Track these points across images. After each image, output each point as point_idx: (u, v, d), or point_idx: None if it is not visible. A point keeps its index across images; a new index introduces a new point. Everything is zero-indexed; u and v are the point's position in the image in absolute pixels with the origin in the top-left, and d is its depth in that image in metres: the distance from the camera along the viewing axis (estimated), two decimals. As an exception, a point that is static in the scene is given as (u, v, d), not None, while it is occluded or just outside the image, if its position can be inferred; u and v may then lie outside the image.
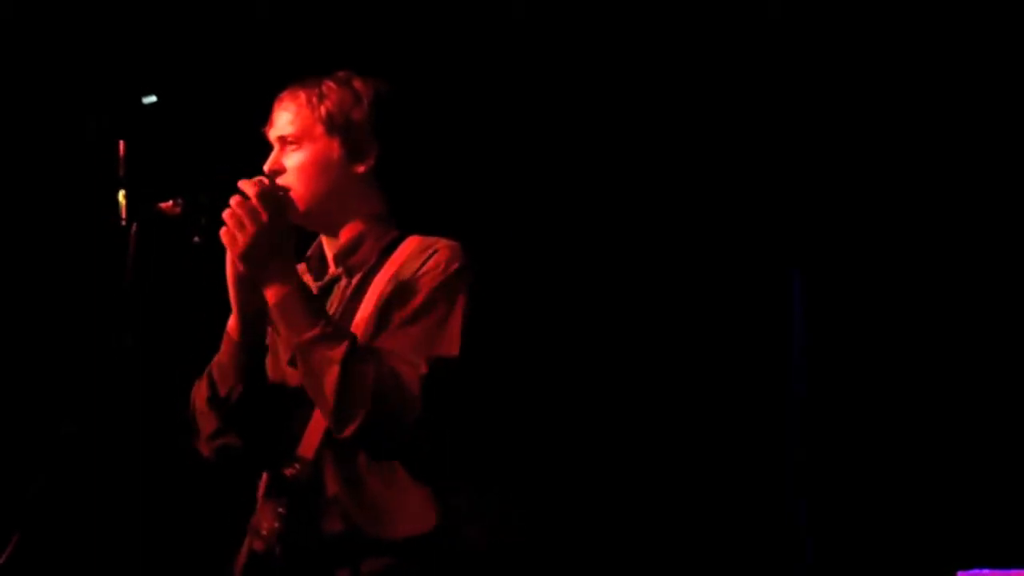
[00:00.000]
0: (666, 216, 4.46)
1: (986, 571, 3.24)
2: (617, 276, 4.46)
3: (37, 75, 4.37)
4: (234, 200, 2.91)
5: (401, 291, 2.95)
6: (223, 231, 2.90)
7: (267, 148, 3.10)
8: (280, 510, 2.95)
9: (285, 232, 2.93)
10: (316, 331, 2.86)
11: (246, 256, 2.90)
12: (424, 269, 2.96)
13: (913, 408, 4.23)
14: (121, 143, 2.98)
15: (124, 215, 2.90)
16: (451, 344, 2.91)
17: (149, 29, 4.31)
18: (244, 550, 3.05)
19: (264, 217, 2.88)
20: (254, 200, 2.89)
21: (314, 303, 2.94)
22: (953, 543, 3.97)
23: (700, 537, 4.40)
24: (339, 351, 2.84)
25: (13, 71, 4.37)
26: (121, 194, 2.89)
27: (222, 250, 2.99)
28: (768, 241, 4.41)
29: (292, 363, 2.92)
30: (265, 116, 3.10)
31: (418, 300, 2.93)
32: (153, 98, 3.10)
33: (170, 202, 2.95)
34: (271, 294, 2.90)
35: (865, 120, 4.31)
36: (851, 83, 4.30)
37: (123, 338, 2.96)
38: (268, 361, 3.12)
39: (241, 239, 2.89)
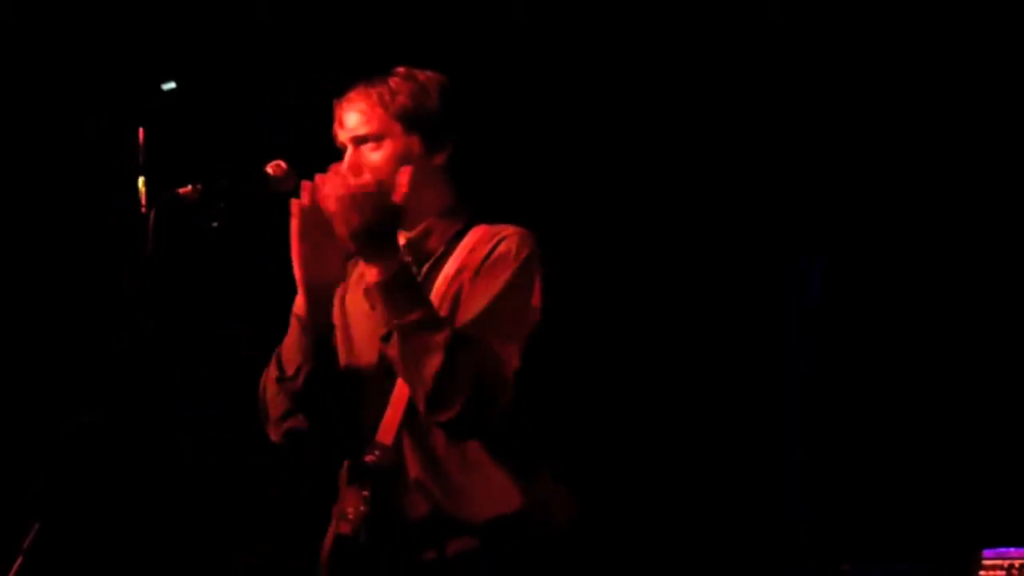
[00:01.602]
0: (681, 205, 4.45)
1: (1012, 549, 3.25)
2: (635, 267, 4.46)
3: (58, 60, 4.37)
4: (352, 182, 2.92)
5: (475, 278, 2.99)
6: (335, 207, 2.89)
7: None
8: (364, 493, 2.97)
9: (397, 215, 2.94)
10: (420, 314, 2.88)
11: (361, 234, 2.89)
12: (496, 255, 3.00)
13: (936, 389, 4.23)
14: (140, 130, 2.98)
15: (143, 201, 2.89)
16: (532, 330, 2.94)
17: (168, 16, 4.30)
18: (330, 535, 3.07)
19: (382, 202, 2.90)
20: (373, 186, 2.91)
21: (418, 288, 2.96)
22: (980, 522, 3.97)
23: (723, 510, 4.40)
24: (442, 337, 2.86)
25: (34, 56, 4.37)
26: (140, 180, 2.89)
27: (239, 236, 2.98)
28: (788, 230, 4.41)
29: (386, 339, 2.92)
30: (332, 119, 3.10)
31: (496, 287, 2.97)
32: (172, 84, 3.10)
33: (189, 187, 2.94)
34: (378, 271, 2.91)
35: (884, 108, 4.31)
36: (871, 74, 4.30)
37: (144, 322, 2.96)
38: (339, 346, 3.15)
39: (358, 218, 2.88)
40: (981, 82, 4.22)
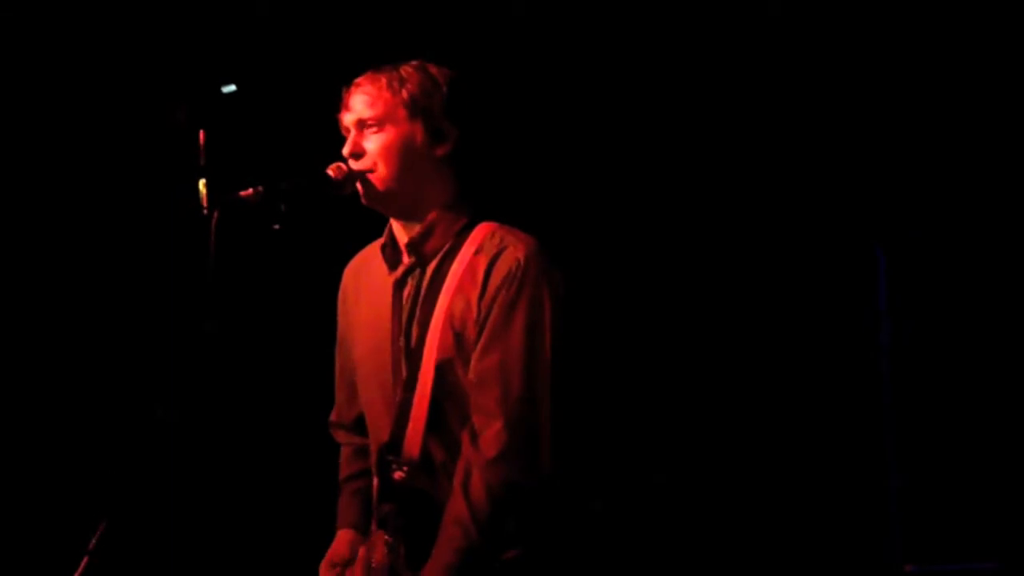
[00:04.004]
0: (746, 194, 4.42)
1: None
2: (700, 257, 4.43)
3: (119, 65, 4.39)
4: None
5: (480, 318, 2.97)
6: None
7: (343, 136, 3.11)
8: (387, 539, 2.99)
9: None
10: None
11: None
12: (499, 279, 2.97)
13: (1007, 387, 4.19)
14: (202, 132, 3.00)
15: (205, 203, 2.91)
16: (544, 357, 2.94)
17: (229, 18, 4.32)
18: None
19: None
20: None
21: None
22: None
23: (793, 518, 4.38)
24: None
25: (95, 62, 4.40)
26: (202, 183, 2.90)
27: (300, 237, 3.01)
28: (852, 218, 4.36)
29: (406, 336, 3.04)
30: (340, 104, 3.11)
31: (499, 317, 2.96)
32: (232, 87, 3.11)
33: (250, 190, 2.96)
34: None
35: (945, 96, 4.26)
36: (929, 62, 4.26)
37: (205, 325, 2.98)
38: (349, 363, 3.21)
39: None
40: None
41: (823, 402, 4.38)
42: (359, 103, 3.04)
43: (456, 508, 2.89)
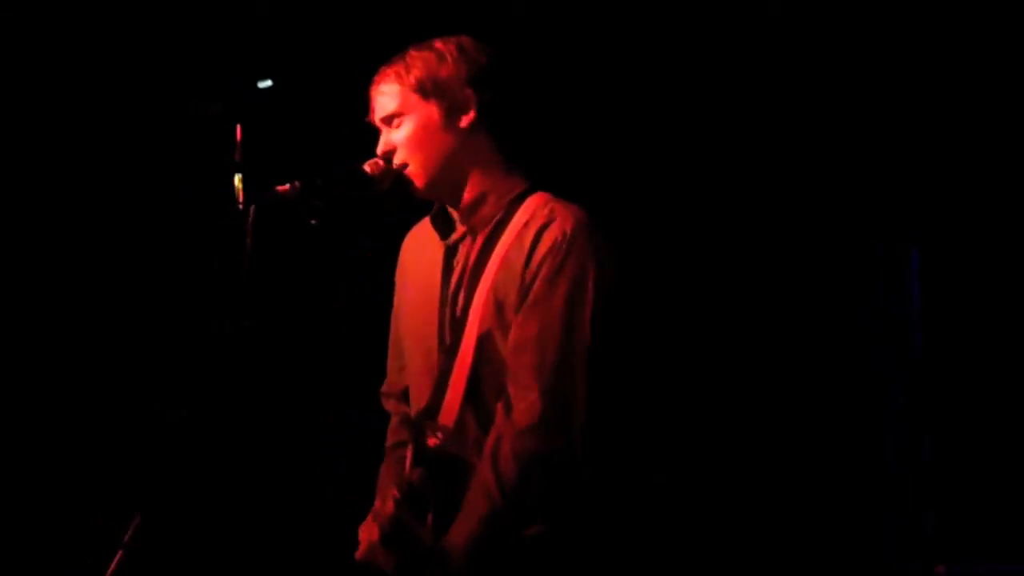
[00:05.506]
0: (776, 193, 4.40)
1: None
2: (729, 254, 4.41)
3: (156, 60, 4.41)
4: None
5: (525, 274, 2.96)
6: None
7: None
8: (395, 494, 2.97)
9: None
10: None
11: None
12: (544, 250, 2.96)
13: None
14: (238, 127, 3.00)
15: (241, 199, 2.91)
16: (584, 330, 2.93)
17: (265, 14, 4.33)
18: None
19: None
20: None
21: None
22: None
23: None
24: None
25: (134, 57, 4.41)
26: (238, 178, 2.91)
27: (337, 232, 3.01)
28: (886, 219, 4.35)
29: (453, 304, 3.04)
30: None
31: (541, 287, 2.94)
32: (269, 83, 3.11)
33: (287, 185, 2.96)
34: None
35: (981, 94, 4.24)
36: (963, 59, 4.24)
37: (241, 321, 2.99)
38: (398, 326, 3.22)
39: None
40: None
41: (852, 402, 4.37)
42: (379, 102, 3.08)
43: (483, 476, 2.89)
